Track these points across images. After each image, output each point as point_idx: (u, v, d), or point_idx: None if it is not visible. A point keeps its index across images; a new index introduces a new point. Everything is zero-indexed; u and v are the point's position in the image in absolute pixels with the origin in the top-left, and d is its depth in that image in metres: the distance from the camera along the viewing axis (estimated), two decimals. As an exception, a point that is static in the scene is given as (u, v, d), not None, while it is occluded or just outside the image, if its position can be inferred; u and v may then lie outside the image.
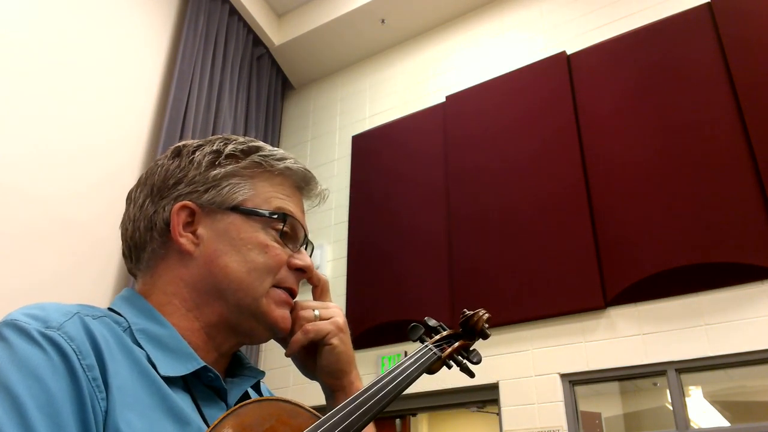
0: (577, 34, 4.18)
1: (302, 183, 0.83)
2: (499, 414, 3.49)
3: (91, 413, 0.55)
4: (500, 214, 3.87)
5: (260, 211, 0.76)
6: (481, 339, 1.02)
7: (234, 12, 4.94)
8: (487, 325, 1.02)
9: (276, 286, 0.76)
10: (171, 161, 0.79)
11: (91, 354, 0.58)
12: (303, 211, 0.84)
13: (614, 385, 3.80)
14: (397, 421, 3.97)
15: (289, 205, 0.80)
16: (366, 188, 4.58)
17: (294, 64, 5.44)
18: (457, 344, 0.98)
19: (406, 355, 3.92)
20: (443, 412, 3.99)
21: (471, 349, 1.01)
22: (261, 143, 0.81)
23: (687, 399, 3.23)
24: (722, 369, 3.13)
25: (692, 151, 3.37)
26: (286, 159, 0.81)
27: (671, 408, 3.11)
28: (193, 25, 4.48)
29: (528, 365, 3.47)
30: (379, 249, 4.25)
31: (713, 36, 3.55)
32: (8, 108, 3.23)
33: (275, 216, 0.77)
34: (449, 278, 3.92)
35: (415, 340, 0.97)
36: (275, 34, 5.30)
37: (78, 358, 0.57)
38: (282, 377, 4.10)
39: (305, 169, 0.83)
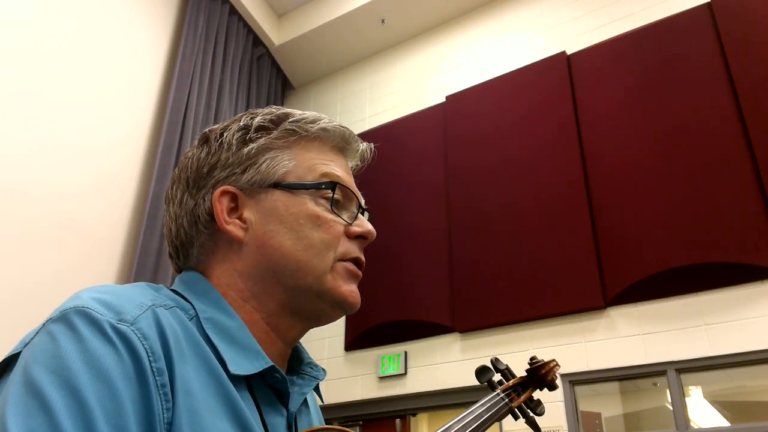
0: (577, 34, 4.18)
1: (342, 143, 0.77)
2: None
3: (157, 426, 0.51)
4: (500, 214, 3.87)
5: (305, 182, 0.70)
6: (547, 390, 1.01)
7: (234, 12, 4.94)
8: (557, 377, 1.00)
9: (340, 260, 0.70)
10: (200, 150, 0.73)
11: (161, 356, 0.54)
12: (350, 174, 0.77)
13: (614, 385, 3.80)
14: (397, 421, 3.97)
15: (335, 169, 0.73)
16: (366, 188, 4.56)
17: (294, 64, 5.44)
18: (524, 395, 0.96)
19: (406, 356, 3.89)
20: (443, 412, 3.99)
21: (535, 399, 0.99)
22: (289, 110, 0.75)
23: (687, 399, 3.23)
24: (722, 369, 3.12)
25: (692, 150, 3.37)
26: (319, 120, 0.74)
27: (671, 408, 3.11)
28: (193, 25, 4.48)
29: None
30: (379, 248, 4.22)
31: (713, 36, 3.55)
32: (8, 108, 3.23)
33: (322, 185, 0.71)
34: (449, 278, 3.92)
35: (483, 383, 0.94)
36: (275, 34, 5.30)
37: (149, 361, 0.52)
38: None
39: (342, 127, 0.76)
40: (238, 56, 4.92)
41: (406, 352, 3.93)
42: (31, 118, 3.34)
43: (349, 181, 0.75)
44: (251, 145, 0.71)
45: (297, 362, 0.74)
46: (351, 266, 0.72)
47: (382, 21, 4.97)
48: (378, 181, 4.55)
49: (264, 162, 0.70)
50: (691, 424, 3.13)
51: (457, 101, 4.45)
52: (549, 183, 3.76)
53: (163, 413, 0.52)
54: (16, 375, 0.50)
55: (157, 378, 0.52)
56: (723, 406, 4.15)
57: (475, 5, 4.81)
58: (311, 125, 0.73)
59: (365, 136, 4.79)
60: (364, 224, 0.74)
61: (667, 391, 3.14)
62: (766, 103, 3.24)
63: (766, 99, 3.25)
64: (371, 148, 0.81)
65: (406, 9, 4.88)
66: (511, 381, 0.97)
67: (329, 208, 0.70)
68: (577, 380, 3.36)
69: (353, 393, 4.04)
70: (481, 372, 0.94)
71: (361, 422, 4.07)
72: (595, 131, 3.75)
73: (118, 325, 0.52)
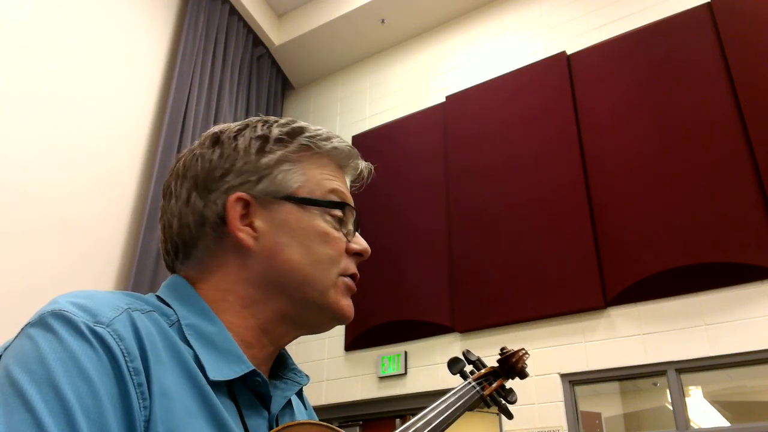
0: (577, 34, 4.18)
1: (345, 161, 0.79)
2: (499, 414, 3.49)
3: (137, 423, 0.52)
4: (500, 214, 3.87)
5: (318, 199, 0.73)
6: (518, 378, 1.03)
7: (234, 12, 4.94)
8: (527, 365, 1.03)
9: (341, 275, 0.73)
10: (211, 150, 0.73)
11: (137, 357, 0.55)
12: (349, 190, 0.80)
13: (614, 385, 3.80)
14: (397, 421, 3.97)
15: (342, 187, 0.76)
16: (366, 188, 4.57)
17: (294, 64, 5.44)
18: (495, 384, 0.99)
19: (406, 356, 3.89)
20: (443, 412, 3.98)
21: (507, 387, 1.02)
22: (303, 123, 0.77)
23: (687, 399, 3.23)
24: (722, 369, 3.12)
25: (692, 151, 3.37)
26: (332, 138, 0.77)
27: (671, 408, 3.11)
28: (193, 25, 4.48)
29: (528, 365, 3.47)
30: (379, 249, 4.23)
31: (713, 36, 3.55)
32: (9, 108, 3.23)
33: (334, 205, 0.74)
34: (449, 278, 3.92)
35: (455, 374, 0.97)
36: (275, 34, 5.30)
37: (125, 361, 0.53)
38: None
39: (350, 147, 0.79)
40: (238, 56, 4.92)
41: (406, 352, 3.93)
42: (31, 118, 3.34)
43: (350, 197, 0.78)
44: (270, 156, 0.72)
45: (281, 368, 0.75)
46: (350, 282, 0.75)
47: (382, 21, 4.97)
48: (378, 181, 4.54)
49: (279, 174, 0.72)
50: (691, 424, 3.13)
51: (457, 101, 4.45)
52: (549, 183, 3.76)
53: (141, 411, 0.53)
54: None
55: (133, 377, 0.53)
56: (723, 406, 4.15)
57: (475, 5, 4.81)
58: (325, 143, 0.76)
59: (365, 136, 4.82)
60: (361, 242, 0.77)
61: (667, 391, 3.14)
62: (766, 103, 3.24)
63: (766, 99, 3.25)
64: (370, 168, 0.83)
65: (406, 9, 4.87)
66: (482, 370, 1.00)
67: (336, 225, 0.73)
68: (577, 380, 3.36)
69: (353, 393, 4.04)
70: (453, 363, 0.97)
71: (361, 422, 4.07)
72: (595, 131, 3.75)
73: (95, 327, 0.54)
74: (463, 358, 0.98)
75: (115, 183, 3.79)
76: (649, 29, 3.81)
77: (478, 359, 1.03)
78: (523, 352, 1.03)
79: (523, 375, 1.03)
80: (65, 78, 3.61)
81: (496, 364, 1.03)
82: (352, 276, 0.75)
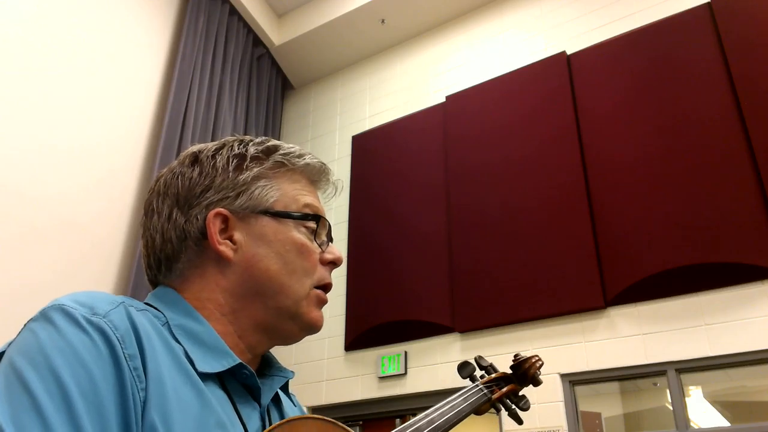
0: (577, 34, 4.18)
1: (317, 176, 0.84)
2: (498, 414, 3.49)
3: (131, 404, 0.55)
4: (501, 214, 3.87)
5: (293, 212, 0.77)
6: (532, 386, 1.02)
7: (234, 12, 4.94)
8: (540, 372, 1.01)
9: (316, 286, 0.78)
10: (191, 169, 0.78)
11: (134, 344, 0.59)
12: (321, 203, 0.85)
13: (614, 385, 3.80)
14: (397, 421, 3.97)
15: (314, 201, 0.81)
16: (366, 188, 4.58)
17: (294, 64, 5.44)
18: (506, 388, 0.98)
19: (406, 356, 3.88)
20: (443, 412, 3.98)
21: (520, 394, 1.01)
22: (276, 141, 0.82)
23: (687, 399, 3.23)
24: (722, 369, 3.13)
25: (692, 150, 3.37)
26: (304, 155, 0.82)
27: (671, 408, 3.11)
28: (193, 25, 4.47)
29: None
30: (379, 249, 4.25)
31: (713, 36, 3.55)
32: (8, 108, 3.23)
33: (308, 217, 0.79)
34: (449, 278, 3.92)
35: (464, 378, 0.97)
36: (275, 34, 5.30)
37: (121, 347, 0.57)
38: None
39: (322, 163, 0.84)
40: (238, 56, 4.92)
41: (406, 352, 3.93)
42: (31, 118, 3.34)
43: (323, 210, 0.83)
44: (247, 173, 0.77)
45: (267, 368, 0.79)
46: (322, 295, 0.79)
47: (382, 21, 4.97)
48: (378, 181, 4.55)
49: (256, 189, 0.77)
50: (691, 424, 3.13)
51: (457, 101, 4.45)
52: (549, 183, 3.76)
53: (138, 392, 0.57)
54: (1, 366, 0.56)
55: (129, 362, 0.57)
56: (723, 406, 4.15)
57: (475, 5, 4.81)
58: (297, 159, 0.81)
59: (365, 136, 4.82)
60: (334, 251, 0.82)
61: (667, 391, 3.14)
62: (766, 103, 3.24)
63: (766, 99, 3.25)
64: (340, 183, 0.89)
65: (406, 9, 4.87)
66: (492, 375, 1.00)
67: (310, 237, 0.79)
68: (577, 380, 3.36)
69: (353, 393, 4.04)
70: (462, 367, 0.98)
71: (361, 422, 4.08)
72: (595, 131, 3.75)
73: (91, 318, 0.58)
74: (473, 363, 0.99)
75: (115, 183, 3.79)
76: (649, 29, 3.81)
77: (491, 365, 1.03)
78: (537, 358, 1.02)
79: (536, 382, 1.02)
80: (65, 78, 3.61)
81: (509, 370, 1.02)
82: (325, 286, 0.80)
